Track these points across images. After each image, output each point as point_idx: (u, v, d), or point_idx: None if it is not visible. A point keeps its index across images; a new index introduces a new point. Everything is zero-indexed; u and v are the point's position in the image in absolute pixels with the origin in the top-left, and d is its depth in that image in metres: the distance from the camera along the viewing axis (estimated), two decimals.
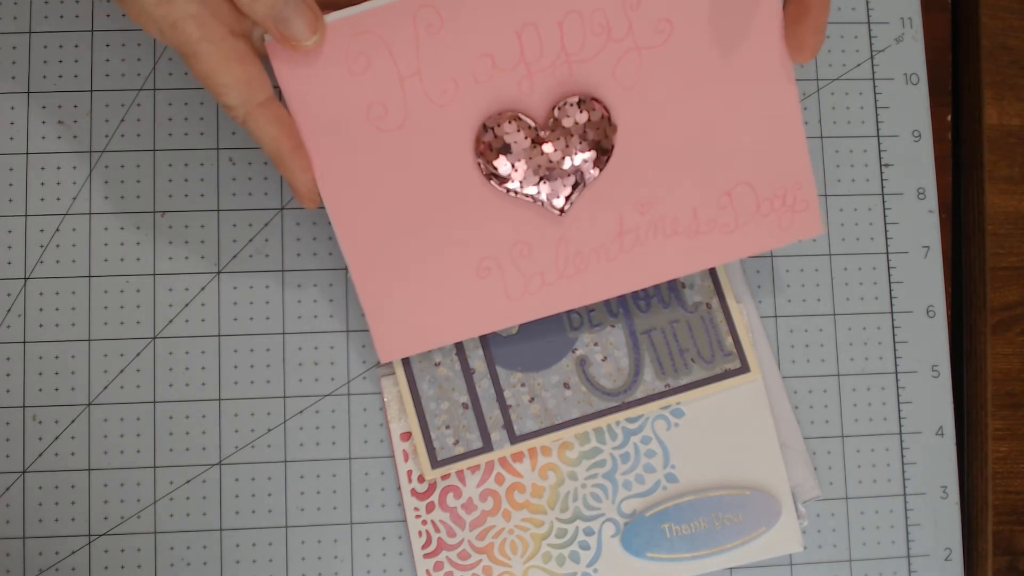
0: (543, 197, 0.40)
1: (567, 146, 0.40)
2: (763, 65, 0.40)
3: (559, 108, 0.39)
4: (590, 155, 0.40)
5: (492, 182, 0.40)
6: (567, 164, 0.40)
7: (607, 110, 0.40)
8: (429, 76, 0.39)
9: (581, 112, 0.39)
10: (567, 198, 0.40)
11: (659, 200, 0.41)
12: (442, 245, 0.40)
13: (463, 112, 0.39)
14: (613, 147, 0.40)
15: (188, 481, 0.44)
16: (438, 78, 0.39)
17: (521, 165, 0.39)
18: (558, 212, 0.40)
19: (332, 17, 0.37)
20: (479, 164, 0.40)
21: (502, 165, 0.39)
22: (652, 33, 0.39)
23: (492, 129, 0.39)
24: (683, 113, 0.40)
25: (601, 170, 0.40)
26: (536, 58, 0.39)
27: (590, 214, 0.41)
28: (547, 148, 0.40)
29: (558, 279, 0.41)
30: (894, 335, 0.47)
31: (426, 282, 0.41)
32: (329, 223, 0.45)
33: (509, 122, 0.39)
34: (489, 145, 0.39)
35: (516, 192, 0.40)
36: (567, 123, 0.39)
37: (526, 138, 0.39)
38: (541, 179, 0.40)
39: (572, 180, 0.40)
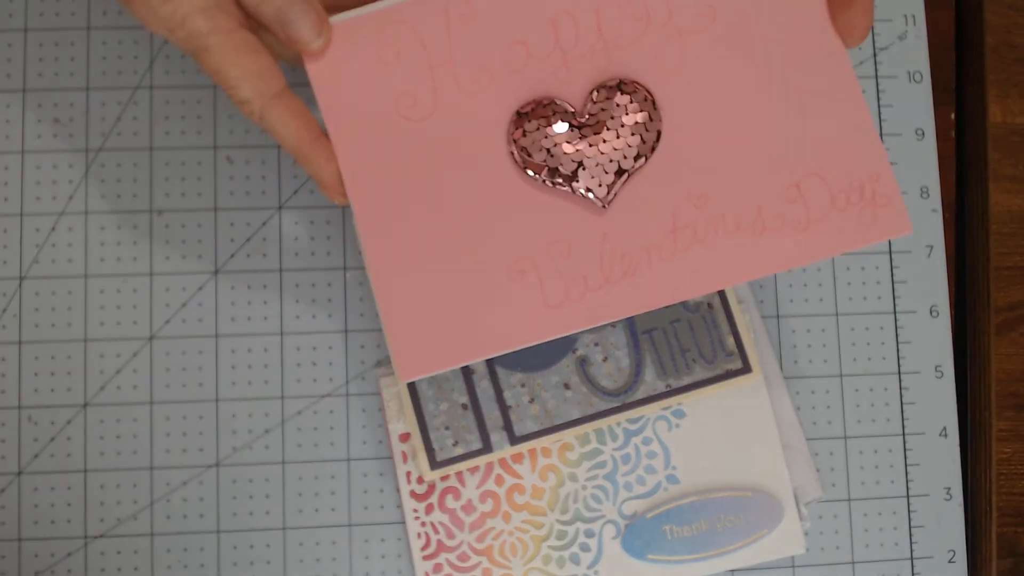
0: (582, 188, 0.37)
1: (608, 130, 0.37)
2: (814, 49, 0.38)
3: (597, 91, 0.37)
4: (633, 140, 0.37)
5: (527, 172, 0.37)
6: (608, 150, 0.37)
7: (650, 92, 0.38)
8: (460, 65, 0.37)
9: (622, 95, 0.37)
10: (610, 187, 0.37)
11: (716, 193, 0.37)
12: (472, 243, 0.37)
13: (496, 100, 0.38)
14: (660, 132, 0.37)
15: (185, 483, 0.44)
16: (470, 66, 0.37)
17: (558, 152, 0.37)
18: (601, 204, 0.37)
19: (364, 10, 0.37)
20: (512, 153, 0.37)
21: (538, 153, 0.37)
22: (694, 18, 0.38)
23: (527, 116, 0.37)
24: (734, 100, 0.38)
25: (647, 159, 0.37)
26: (572, 45, 0.38)
27: (637, 208, 0.37)
28: (586, 134, 0.37)
29: (604, 283, 0.37)
30: (897, 335, 0.47)
31: (455, 287, 0.37)
32: (327, 222, 0.45)
33: (545, 107, 0.37)
34: (524, 132, 0.37)
35: (553, 182, 0.37)
36: (607, 107, 0.37)
37: (563, 123, 0.37)
38: (580, 166, 0.37)
39: (615, 167, 0.37)
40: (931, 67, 0.48)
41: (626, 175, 0.37)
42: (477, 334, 0.37)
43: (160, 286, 0.44)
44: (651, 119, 0.37)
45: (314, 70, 0.37)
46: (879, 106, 0.48)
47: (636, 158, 0.37)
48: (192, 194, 0.45)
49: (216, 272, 0.45)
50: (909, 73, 0.48)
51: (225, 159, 0.45)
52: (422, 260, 0.37)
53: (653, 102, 0.37)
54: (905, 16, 0.48)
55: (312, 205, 0.45)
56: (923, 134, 0.48)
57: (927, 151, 0.48)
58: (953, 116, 0.49)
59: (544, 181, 0.37)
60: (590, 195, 0.37)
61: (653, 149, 0.37)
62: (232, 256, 0.45)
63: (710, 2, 0.38)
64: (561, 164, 0.37)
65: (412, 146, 0.37)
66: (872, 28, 0.48)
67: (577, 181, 0.37)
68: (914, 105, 0.48)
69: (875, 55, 0.48)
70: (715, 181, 0.38)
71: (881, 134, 0.48)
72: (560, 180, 0.37)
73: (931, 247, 0.47)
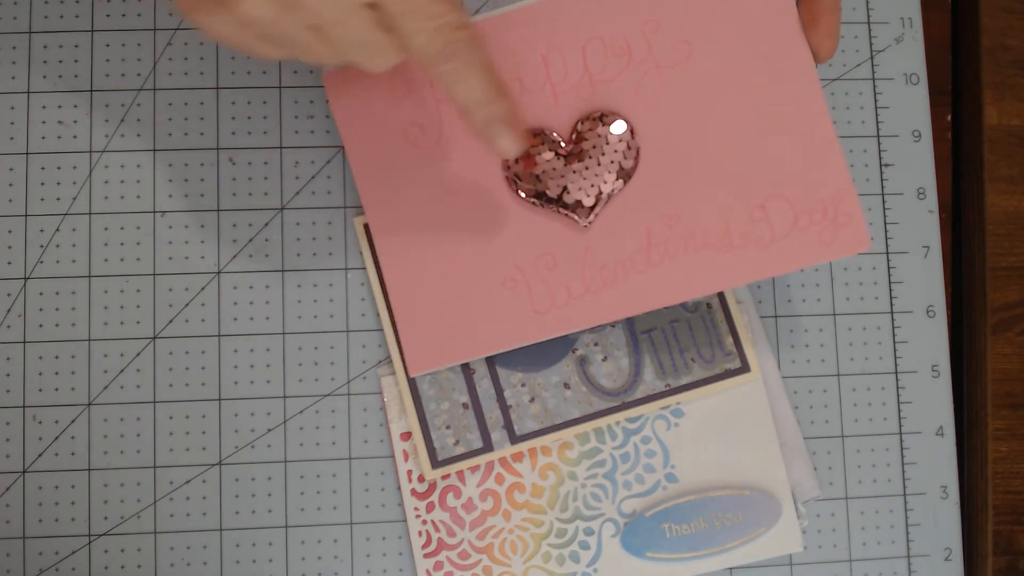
0: (567, 209, 0.41)
1: (591, 158, 0.41)
2: (787, 76, 0.41)
3: (582, 123, 0.41)
4: (613, 167, 0.41)
5: (520, 194, 0.41)
6: (591, 176, 0.41)
7: (629, 122, 0.41)
8: None
9: (603, 126, 0.41)
10: (591, 209, 0.41)
11: (688, 213, 0.41)
12: (471, 257, 0.42)
13: None
14: (637, 160, 0.41)
15: (188, 481, 0.44)
16: None
17: (546, 177, 0.41)
18: (583, 223, 0.41)
19: None
20: (507, 178, 0.42)
21: (528, 178, 0.41)
22: (672, 53, 0.41)
23: None
24: (708, 127, 0.41)
25: (626, 182, 0.41)
26: (561, 79, 0.41)
27: (616, 226, 0.41)
28: (571, 161, 0.41)
29: (585, 292, 0.41)
30: (894, 335, 0.47)
31: (455, 294, 0.42)
32: (329, 223, 0.45)
33: (535, 137, 0.41)
34: (516, 159, 0.41)
35: (542, 204, 0.41)
36: (590, 136, 0.41)
37: (551, 151, 0.41)
38: (564, 190, 0.41)
39: (596, 191, 0.41)
40: (928, 69, 0.49)
41: (606, 198, 0.41)
42: (474, 336, 0.42)
43: (163, 286, 0.44)
44: (629, 148, 0.41)
45: (336, 104, 0.42)
46: (876, 108, 0.48)
47: (615, 183, 0.41)
48: (195, 195, 0.45)
49: (219, 272, 0.45)
50: (906, 75, 0.48)
51: (228, 160, 0.45)
52: (429, 273, 0.42)
53: (632, 131, 0.41)
54: (902, 19, 0.49)
55: (313, 206, 0.45)
56: (920, 135, 0.48)
57: (924, 152, 0.48)
58: (949, 118, 0.49)
59: (534, 202, 0.41)
60: (574, 216, 0.41)
61: (631, 175, 0.41)
62: (234, 257, 0.45)
63: (687, 37, 0.41)
64: (548, 188, 0.41)
65: (420, 171, 0.42)
66: (870, 30, 0.48)
67: (563, 203, 0.41)
68: (911, 107, 0.48)
69: (872, 57, 0.48)
70: (687, 203, 0.41)
71: (878, 135, 0.48)
72: (548, 202, 0.41)
73: (928, 248, 0.48)
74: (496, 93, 0.36)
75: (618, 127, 0.41)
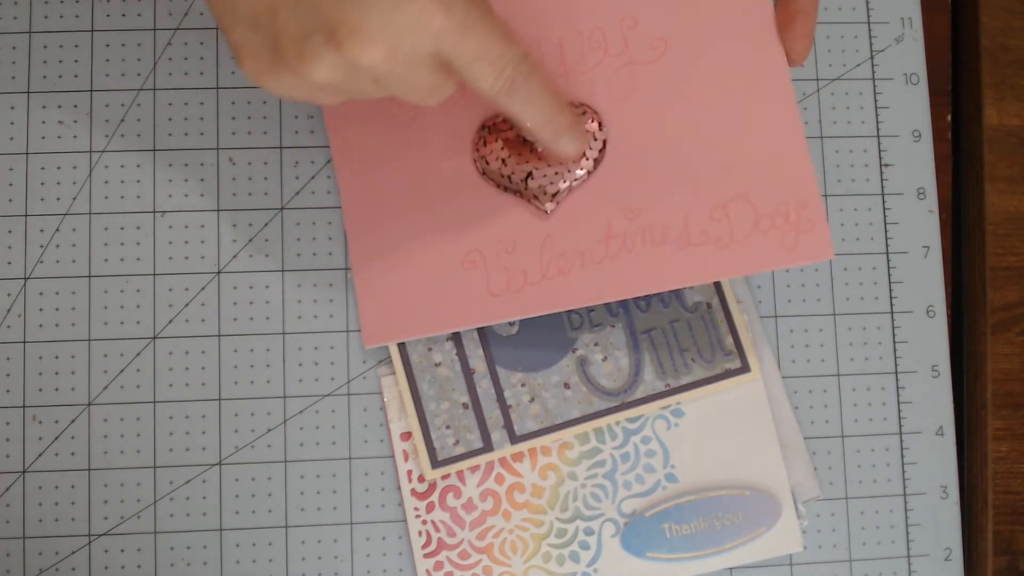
0: (530, 195, 0.41)
1: None
2: (760, 78, 0.41)
3: None
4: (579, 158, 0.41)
5: (485, 178, 0.42)
6: (556, 164, 0.41)
7: (596, 114, 0.41)
8: None
9: None
10: (554, 196, 0.41)
11: (649, 207, 0.41)
12: (433, 236, 0.42)
13: (467, 114, 0.42)
14: (603, 151, 0.41)
15: (188, 481, 0.44)
16: None
17: (512, 162, 0.41)
18: (545, 210, 0.41)
19: None
20: (475, 160, 0.42)
21: (495, 162, 0.41)
22: (647, 50, 0.41)
23: (489, 128, 0.42)
24: (676, 124, 0.41)
25: (590, 173, 0.41)
26: None
27: (577, 216, 0.42)
28: (537, 148, 0.41)
29: (541, 279, 0.42)
30: (894, 335, 0.47)
31: (415, 270, 0.42)
32: (329, 223, 0.45)
33: (504, 122, 0.41)
34: (485, 142, 0.42)
35: (506, 188, 0.42)
36: None
37: (519, 138, 0.41)
38: (529, 176, 0.41)
39: (560, 179, 0.41)
40: (927, 69, 0.49)
41: (569, 187, 0.41)
42: (429, 313, 0.42)
43: (163, 286, 0.44)
44: (596, 139, 0.41)
45: None
46: (876, 108, 0.48)
47: (580, 173, 0.41)
48: (195, 195, 0.45)
49: (218, 272, 0.45)
50: (906, 75, 0.48)
51: (228, 160, 0.45)
52: (392, 246, 0.42)
53: (600, 124, 0.41)
54: (902, 19, 0.49)
55: (313, 206, 0.45)
56: (920, 135, 0.48)
57: (924, 152, 0.48)
58: (949, 118, 0.49)
59: (499, 186, 0.42)
60: (536, 202, 0.41)
61: (596, 166, 0.41)
62: (234, 257, 0.45)
63: (663, 35, 0.41)
64: (513, 173, 0.41)
65: (393, 146, 0.43)
66: (870, 30, 0.48)
67: (526, 189, 0.41)
68: (911, 107, 0.48)
69: (872, 57, 0.48)
70: (649, 197, 0.41)
71: (878, 135, 0.48)
72: (512, 187, 0.41)
73: (928, 247, 0.48)
74: (557, 107, 0.37)
75: (586, 117, 0.41)
